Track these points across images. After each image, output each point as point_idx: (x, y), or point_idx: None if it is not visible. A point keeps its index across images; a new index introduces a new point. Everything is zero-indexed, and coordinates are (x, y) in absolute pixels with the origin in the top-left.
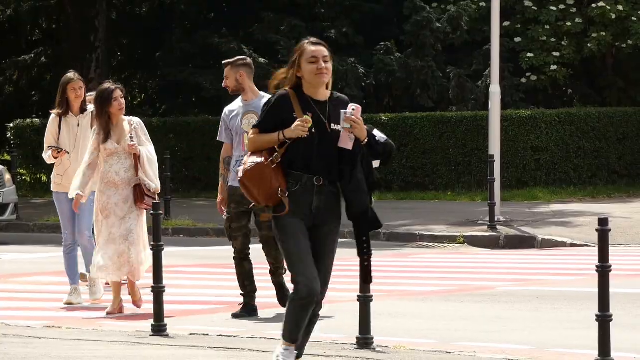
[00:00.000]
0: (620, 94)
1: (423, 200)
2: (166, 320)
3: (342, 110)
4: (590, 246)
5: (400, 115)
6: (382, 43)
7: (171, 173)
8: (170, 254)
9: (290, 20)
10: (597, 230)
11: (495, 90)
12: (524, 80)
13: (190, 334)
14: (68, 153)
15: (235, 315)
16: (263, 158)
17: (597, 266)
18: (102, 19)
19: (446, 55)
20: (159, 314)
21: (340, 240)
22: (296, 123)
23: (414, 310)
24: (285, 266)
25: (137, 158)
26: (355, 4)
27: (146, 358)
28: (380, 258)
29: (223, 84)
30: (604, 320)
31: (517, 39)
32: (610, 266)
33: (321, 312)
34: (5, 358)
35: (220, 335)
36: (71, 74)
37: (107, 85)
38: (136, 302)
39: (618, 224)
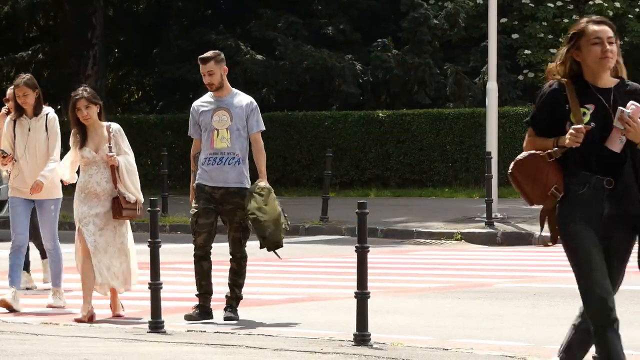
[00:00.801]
0: None
1: (420, 197)
2: (163, 317)
3: (619, 108)
4: None
5: (397, 112)
6: (380, 40)
7: (168, 170)
8: (167, 250)
9: (287, 17)
10: None
11: (492, 87)
12: (521, 77)
13: (188, 331)
14: (15, 160)
15: (188, 317)
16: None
17: None
18: (99, 15)
19: (443, 52)
20: (156, 311)
21: (338, 236)
22: (570, 132)
23: (411, 307)
24: (242, 294)
25: (114, 169)
26: (352, 0)
27: (143, 355)
28: (377, 255)
29: (207, 80)
30: None
31: (515, 36)
32: None
33: (318, 309)
34: (2, 355)
35: (217, 332)
36: (18, 80)
37: (75, 92)
38: (117, 315)
39: None
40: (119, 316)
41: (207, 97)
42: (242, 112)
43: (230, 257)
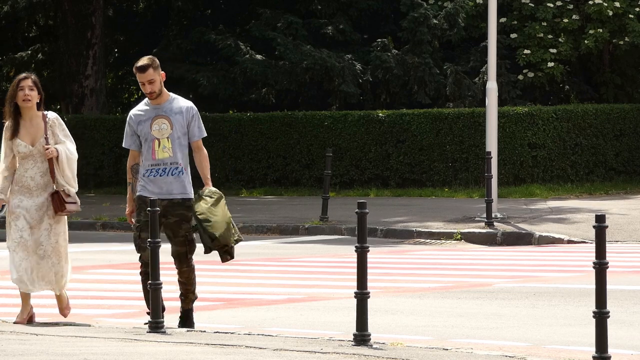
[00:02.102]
0: (617, 90)
1: (420, 196)
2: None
3: None
4: (587, 243)
5: (397, 111)
6: (379, 39)
7: None
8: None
9: (287, 17)
10: (594, 227)
11: (492, 86)
12: (520, 76)
13: (187, 331)
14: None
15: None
16: None
17: (594, 263)
18: (99, 15)
19: (443, 52)
20: (155, 311)
21: (337, 237)
22: None
23: (411, 307)
24: (196, 294)
25: (52, 162)
26: (352, 0)
27: (143, 354)
28: (377, 254)
29: (148, 89)
30: (601, 316)
31: (514, 36)
32: (608, 263)
33: (318, 309)
34: (2, 355)
35: (217, 332)
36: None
37: (19, 75)
38: (62, 310)
39: (615, 220)
40: (64, 311)
41: (143, 104)
42: (183, 118)
43: (178, 271)
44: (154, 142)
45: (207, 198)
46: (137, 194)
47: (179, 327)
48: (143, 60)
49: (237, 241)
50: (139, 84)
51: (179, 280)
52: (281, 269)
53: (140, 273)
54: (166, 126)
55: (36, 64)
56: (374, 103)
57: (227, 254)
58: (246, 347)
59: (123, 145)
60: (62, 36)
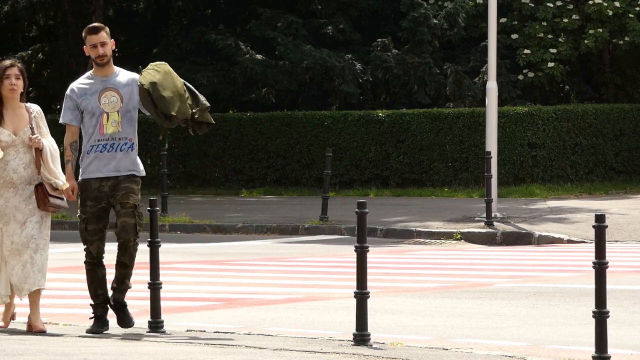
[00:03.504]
0: (617, 90)
1: (420, 196)
2: (163, 317)
3: None
4: (587, 242)
5: (397, 111)
6: (379, 39)
7: (168, 169)
8: (167, 250)
9: (287, 17)
10: (594, 226)
11: (492, 86)
12: (520, 76)
13: (187, 330)
14: None
15: (90, 331)
16: None
17: (594, 263)
18: (99, 15)
19: (443, 52)
20: (155, 311)
21: (336, 236)
22: None
23: (410, 307)
24: (130, 283)
25: (39, 153)
26: (352, 0)
27: (143, 354)
28: (376, 254)
29: (99, 51)
30: (601, 316)
31: (514, 36)
32: (607, 263)
33: (318, 309)
34: (2, 354)
35: (217, 332)
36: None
37: (4, 62)
38: (6, 321)
39: (615, 220)
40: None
41: (87, 77)
42: (132, 91)
43: (121, 248)
44: (102, 116)
45: (151, 71)
46: (81, 177)
47: (118, 323)
48: (94, 23)
49: (201, 111)
50: (89, 48)
51: (118, 263)
52: (281, 269)
53: (86, 263)
54: (116, 99)
55: (36, 64)
56: (374, 103)
57: (198, 125)
58: (246, 347)
59: (61, 121)
60: (62, 36)
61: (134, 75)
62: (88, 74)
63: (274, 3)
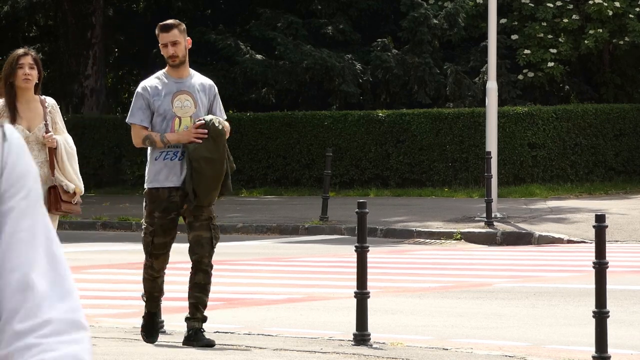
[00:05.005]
0: (617, 90)
1: (420, 196)
2: (163, 317)
3: None
4: (587, 242)
5: (397, 111)
6: (379, 39)
7: None
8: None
9: (287, 17)
10: (594, 226)
11: (492, 86)
12: (520, 76)
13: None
14: None
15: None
16: None
17: (594, 263)
18: (99, 15)
19: (443, 52)
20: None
21: (336, 236)
22: None
23: (410, 307)
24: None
25: (53, 152)
26: (352, 0)
27: (143, 355)
28: (377, 254)
29: (170, 51)
30: (601, 316)
31: (514, 36)
32: (607, 263)
33: (318, 309)
34: None
35: (217, 332)
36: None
37: (17, 51)
38: None
39: (615, 220)
40: None
41: (160, 77)
42: (206, 97)
43: (195, 266)
44: (174, 120)
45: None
46: (148, 186)
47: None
48: (168, 20)
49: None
50: (160, 47)
51: (193, 285)
52: (281, 269)
53: (148, 275)
54: (190, 104)
55: None
56: (374, 103)
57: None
58: (246, 347)
59: (130, 121)
60: (62, 36)
61: (208, 80)
62: (160, 73)
63: (274, 3)
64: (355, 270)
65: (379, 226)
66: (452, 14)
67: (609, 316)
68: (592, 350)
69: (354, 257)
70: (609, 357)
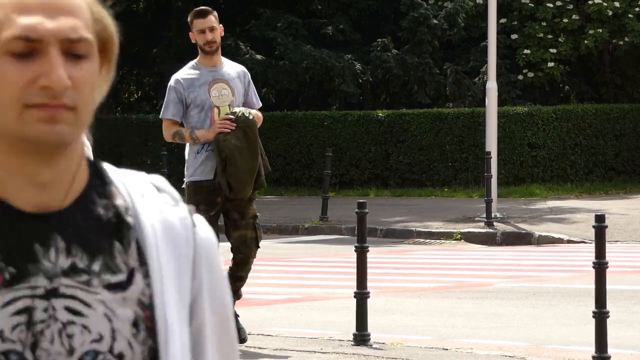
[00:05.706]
0: (617, 90)
1: (420, 196)
2: None
3: None
4: (587, 243)
5: (397, 111)
6: (379, 39)
7: (168, 170)
8: None
9: (287, 17)
10: (594, 226)
11: (492, 86)
12: (520, 76)
13: None
14: None
15: None
16: None
17: (593, 263)
18: None
19: (443, 52)
20: None
21: (336, 236)
22: None
23: (410, 307)
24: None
25: None
26: (352, 0)
27: None
28: (376, 254)
29: (208, 37)
30: (600, 316)
31: (514, 36)
32: (607, 263)
33: (318, 309)
34: None
35: None
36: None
37: None
38: None
39: (615, 220)
40: None
41: (193, 67)
42: (241, 84)
43: (238, 265)
44: (212, 110)
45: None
46: (190, 179)
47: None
48: (202, 7)
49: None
50: (195, 33)
51: (233, 276)
52: (281, 269)
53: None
54: (227, 92)
55: None
56: (374, 103)
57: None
58: (246, 347)
59: (163, 116)
60: None
61: (240, 66)
62: (192, 63)
63: (274, 3)
64: (355, 270)
65: (378, 226)
66: (452, 14)
67: (608, 316)
68: (592, 350)
69: (353, 257)
70: (609, 357)
